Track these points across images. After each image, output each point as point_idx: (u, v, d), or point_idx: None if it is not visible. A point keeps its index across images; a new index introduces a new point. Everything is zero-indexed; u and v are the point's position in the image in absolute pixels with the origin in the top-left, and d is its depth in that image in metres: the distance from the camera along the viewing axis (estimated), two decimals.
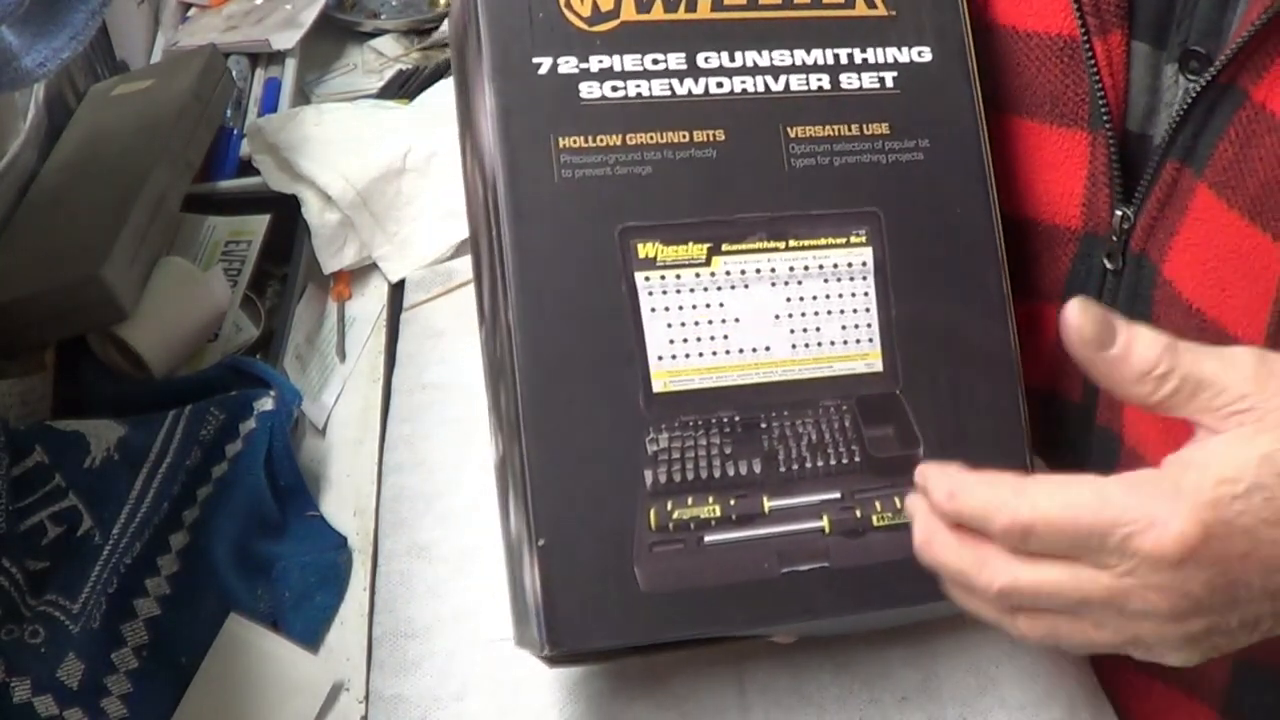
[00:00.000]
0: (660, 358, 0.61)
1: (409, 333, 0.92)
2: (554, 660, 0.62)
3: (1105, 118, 0.64)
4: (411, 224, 0.98)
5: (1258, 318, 0.59)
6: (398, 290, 0.96)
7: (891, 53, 0.66)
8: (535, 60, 0.62)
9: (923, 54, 0.66)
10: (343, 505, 0.81)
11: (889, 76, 0.65)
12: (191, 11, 1.29)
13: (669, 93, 0.63)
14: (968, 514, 0.51)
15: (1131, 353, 0.51)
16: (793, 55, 0.65)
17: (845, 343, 0.63)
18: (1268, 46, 0.57)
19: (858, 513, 0.61)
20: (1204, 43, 0.61)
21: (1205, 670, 0.67)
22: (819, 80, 0.65)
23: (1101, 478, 0.50)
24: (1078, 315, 0.52)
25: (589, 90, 0.62)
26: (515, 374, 0.60)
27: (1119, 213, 0.65)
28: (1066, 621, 0.51)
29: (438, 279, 0.95)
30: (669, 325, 0.61)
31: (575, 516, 0.59)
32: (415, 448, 0.83)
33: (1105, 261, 0.66)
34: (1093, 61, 0.64)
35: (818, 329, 0.63)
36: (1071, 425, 0.72)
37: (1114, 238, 0.66)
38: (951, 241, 0.65)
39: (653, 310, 0.61)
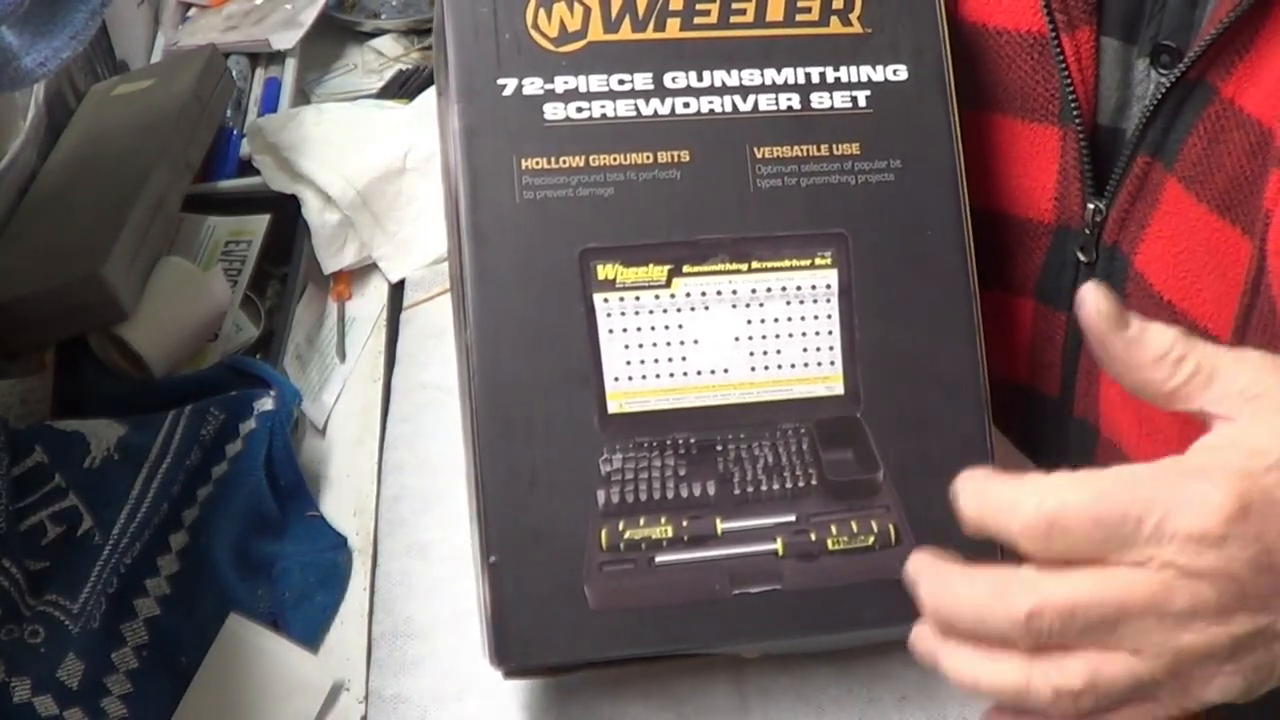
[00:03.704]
0: (616, 379, 0.61)
1: (409, 333, 0.92)
2: (506, 673, 0.63)
3: (1075, 113, 0.64)
4: (411, 224, 0.98)
5: (1226, 309, 0.59)
6: (398, 290, 0.96)
7: (865, 71, 0.65)
8: (500, 81, 0.62)
9: (898, 72, 0.65)
10: (343, 505, 0.81)
11: (862, 96, 0.65)
12: (191, 11, 1.29)
13: (634, 113, 0.63)
14: (992, 508, 0.46)
15: (1147, 335, 0.49)
16: (763, 74, 0.64)
17: (806, 365, 0.63)
18: (1237, 43, 0.57)
19: (812, 536, 0.61)
20: (1175, 37, 0.61)
21: None
22: (789, 100, 0.64)
23: (1125, 466, 0.46)
24: (1096, 292, 0.49)
25: (553, 111, 0.62)
26: (472, 393, 0.60)
27: (1091, 206, 0.65)
28: (1104, 658, 0.45)
29: (438, 279, 0.95)
30: (626, 347, 0.61)
31: (526, 535, 0.59)
32: (415, 448, 0.83)
33: (1079, 254, 0.67)
34: (1061, 58, 0.64)
35: (778, 351, 0.63)
36: (1049, 418, 0.72)
37: (1087, 231, 0.66)
38: (921, 264, 0.64)
39: (610, 332, 0.61)
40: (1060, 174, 0.66)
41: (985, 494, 0.47)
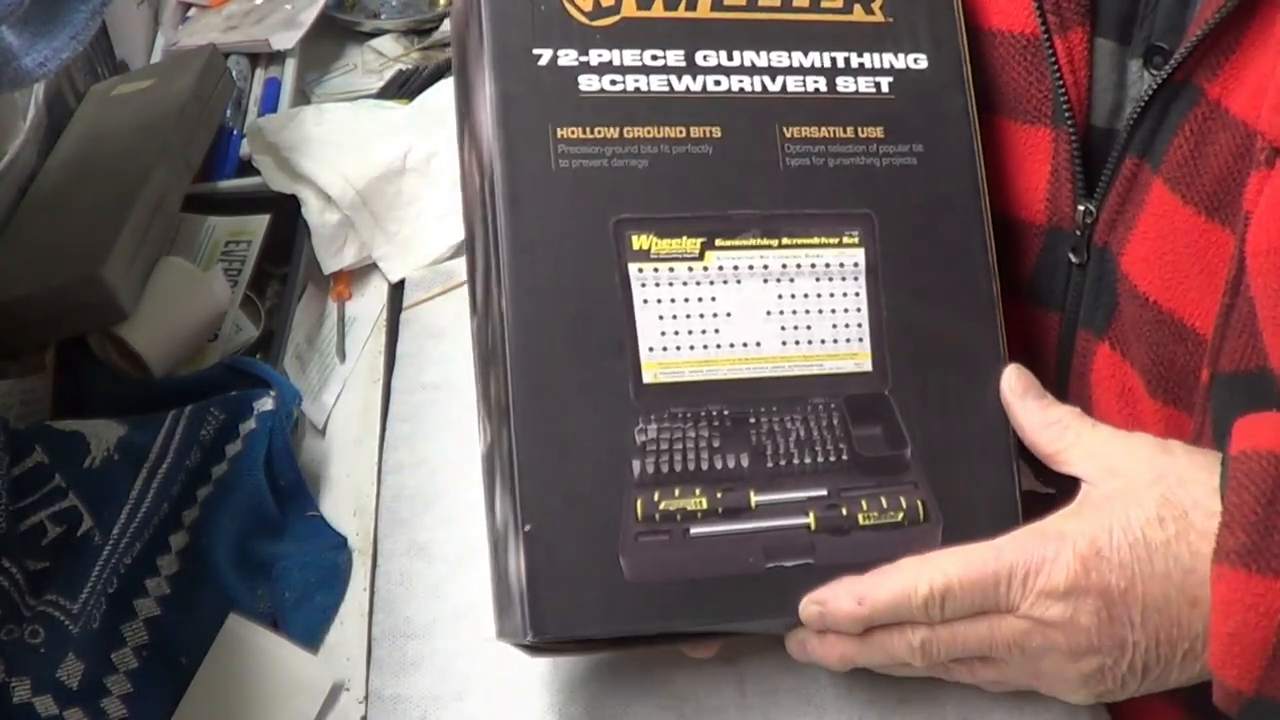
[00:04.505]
0: (651, 349, 0.61)
1: (409, 333, 0.92)
2: (536, 648, 0.62)
3: (1067, 115, 0.65)
4: (411, 224, 0.98)
5: (1212, 309, 0.59)
6: (398, 290, 0.96)
7: (888, 58, 0.66)
8: (535, 51, 0.63)
9: (918, 61, 0.67)
10: (343, 505, 0.81)
11: (885, 82, 0.66)
12: (191, 11, 1.29)
13: (667, 88, 0.64)
14: (885, 606, 0.58)
15: (1049, 408, 0.63)
16: (790, 57, 0.65)
17: (835, 341, 0.64)
18: (1222, 44, 0.58)
19: (844, 511, 0.62)
20: (1167, 38, 0.62)
21: None
22: (815, 82, 0.65)
23: (991, 540, 0.58)
24: (1013, 371, 0.64)
25: (588, 83, 0.63)
26: (507, 360, 0.60)
27: (1082, 208, 0.66)
28: (982, 665, 0.59)
29: (438, 279, 0.95)
30: (660, 317, 0.62)
31: (562, 504, 0.59)
32: (415, 448, 0.83)
33: (1070, 255, 0.67)
34: (1054, 59, 0.64)
35: (808, 327, 0.64)
36: None
37: (1078, 232, 0.66)
38: (943, 246, 0.65)
39: (645, 302, 0.62)
40: (1052, 175, 0.67)
41: (872, 590, 0.58)
